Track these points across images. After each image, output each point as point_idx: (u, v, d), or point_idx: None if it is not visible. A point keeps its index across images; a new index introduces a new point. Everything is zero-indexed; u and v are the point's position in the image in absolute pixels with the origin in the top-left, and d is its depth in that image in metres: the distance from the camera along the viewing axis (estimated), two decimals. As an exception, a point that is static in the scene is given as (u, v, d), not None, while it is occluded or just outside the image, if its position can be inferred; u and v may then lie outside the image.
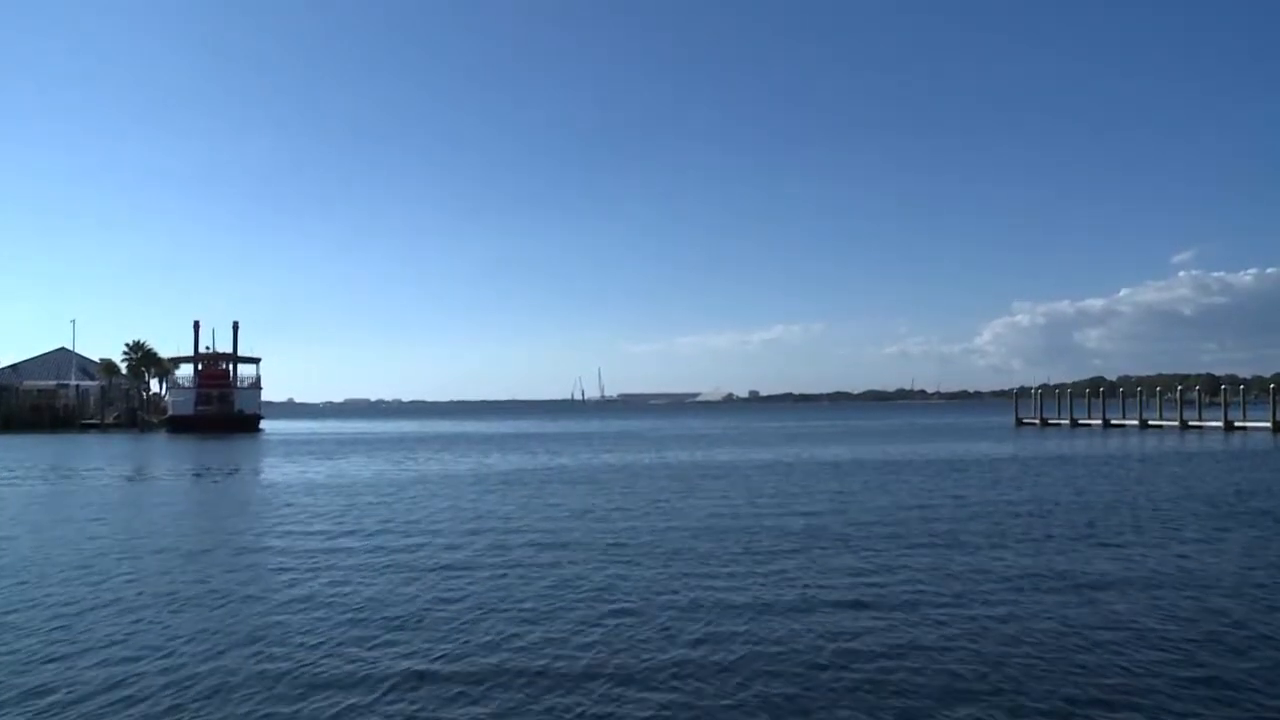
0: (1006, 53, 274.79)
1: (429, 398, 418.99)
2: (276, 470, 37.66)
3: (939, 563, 14.55)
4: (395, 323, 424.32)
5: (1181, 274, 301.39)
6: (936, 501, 23.37)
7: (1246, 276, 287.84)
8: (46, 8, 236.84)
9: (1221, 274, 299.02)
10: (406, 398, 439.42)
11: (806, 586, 12.78)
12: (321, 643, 10.01)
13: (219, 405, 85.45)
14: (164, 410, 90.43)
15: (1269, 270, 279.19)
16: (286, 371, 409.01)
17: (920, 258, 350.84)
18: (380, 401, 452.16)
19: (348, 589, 12.84)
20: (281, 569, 14.51)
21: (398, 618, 11.13)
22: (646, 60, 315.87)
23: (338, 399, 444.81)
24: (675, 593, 12.46)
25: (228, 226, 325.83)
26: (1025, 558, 15.03)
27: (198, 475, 35.08)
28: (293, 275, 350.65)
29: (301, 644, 9.97)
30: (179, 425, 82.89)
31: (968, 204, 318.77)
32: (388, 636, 10.26)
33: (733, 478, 31.06)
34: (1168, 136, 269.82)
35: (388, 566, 14.58)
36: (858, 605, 11.67)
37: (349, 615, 11.28)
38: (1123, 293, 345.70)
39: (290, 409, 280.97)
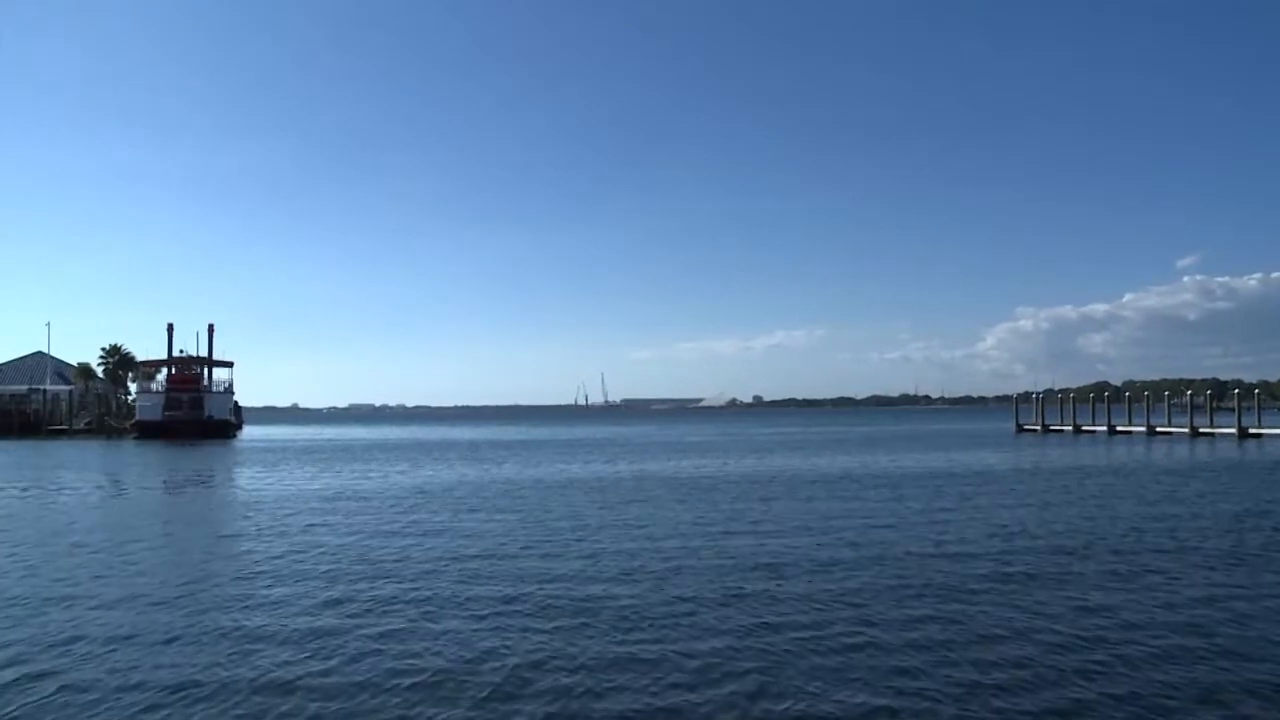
0: (1009, 56, 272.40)
1: (434, 403, 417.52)
2: (201, 485, 34.39)
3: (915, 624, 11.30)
4: (403, 328, 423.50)
5: (1186, 278, 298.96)
6: (904, 533, 20.10)
7: (1251, 281, 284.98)
8: (32, 9, 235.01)
9: (1226, 278, 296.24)
10: (411, 403, 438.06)
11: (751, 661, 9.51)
12: None
13: (189, 410, 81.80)
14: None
15: (1274, 274, 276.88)
16: (292, 377, 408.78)
17: (922, 262, 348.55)
18: (385, 407, 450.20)
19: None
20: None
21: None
22: (647, 65, 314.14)
23: (342, 404, 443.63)
24: (579, 660, 9.22)
25: (230, 231, 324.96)
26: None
27: (98, 488, 31.75)
28: (299, 281, 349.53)
29: None
30: (147, 431, 79.50)
31: (970, 208, 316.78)
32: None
33: (701, 493, 27.78)
34: (1171, 140, 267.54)
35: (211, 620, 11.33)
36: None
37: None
38: (1126, 297, 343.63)
39: (293, 414, 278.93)
